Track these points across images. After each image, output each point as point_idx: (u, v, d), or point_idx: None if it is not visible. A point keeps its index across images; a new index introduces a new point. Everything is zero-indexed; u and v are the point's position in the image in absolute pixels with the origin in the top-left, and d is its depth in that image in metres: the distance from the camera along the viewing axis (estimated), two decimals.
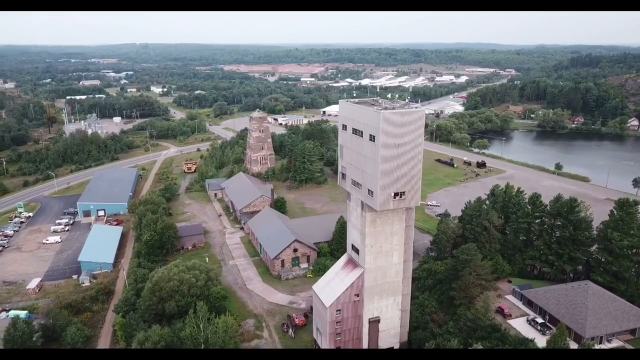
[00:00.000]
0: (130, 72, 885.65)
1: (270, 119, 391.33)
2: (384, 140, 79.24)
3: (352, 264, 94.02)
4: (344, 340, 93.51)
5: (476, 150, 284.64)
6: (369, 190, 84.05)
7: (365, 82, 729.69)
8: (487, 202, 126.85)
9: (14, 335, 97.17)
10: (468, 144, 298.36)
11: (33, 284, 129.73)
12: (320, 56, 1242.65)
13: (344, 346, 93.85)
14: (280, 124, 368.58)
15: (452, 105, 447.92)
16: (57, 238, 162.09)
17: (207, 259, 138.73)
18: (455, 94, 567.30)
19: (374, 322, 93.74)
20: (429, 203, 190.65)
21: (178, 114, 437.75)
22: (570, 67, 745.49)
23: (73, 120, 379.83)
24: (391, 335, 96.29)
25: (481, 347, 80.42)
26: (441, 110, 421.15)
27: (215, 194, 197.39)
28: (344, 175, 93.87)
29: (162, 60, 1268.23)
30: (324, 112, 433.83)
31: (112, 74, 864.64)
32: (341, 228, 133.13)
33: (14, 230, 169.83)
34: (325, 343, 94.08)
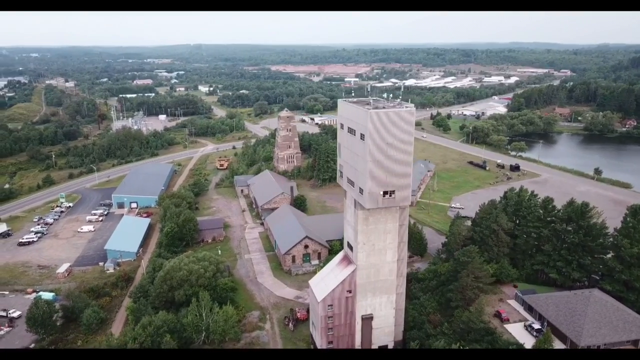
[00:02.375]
0: (182, 72, 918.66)
1: (307, 118, 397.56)
2: (372, 138, 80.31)
3: (347, 260, 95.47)
4: (337, 336, 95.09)
5: (513, 153, 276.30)
6: (360, 188, 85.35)
7: (410, 82, 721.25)
8: (499, 205, 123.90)
9: (35, 313, 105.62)
10: (506, 146, 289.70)
11: (62, 268, 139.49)
12: (367, 56, 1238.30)
13: (337, 341, 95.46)
14: (317, 124, 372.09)
15: (495, 107, 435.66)
16: (90, 227, 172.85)
17: (219, 251, 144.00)
18: (499, 95, 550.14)
19: (367, 319, 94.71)
20: (453, 205, 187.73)
21: (220, 113, 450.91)
22: (630, 68, 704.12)
23: (121, 118, 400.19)
24: (385, 334, 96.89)
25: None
26: (482, 112, 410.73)
27: (242, 190, 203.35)
28: (341, 174, 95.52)
29: (213, 61, 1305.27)
30: None
31: (165, 74, 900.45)
32: None
33: (54, 219, 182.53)
34: (317, 337, 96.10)
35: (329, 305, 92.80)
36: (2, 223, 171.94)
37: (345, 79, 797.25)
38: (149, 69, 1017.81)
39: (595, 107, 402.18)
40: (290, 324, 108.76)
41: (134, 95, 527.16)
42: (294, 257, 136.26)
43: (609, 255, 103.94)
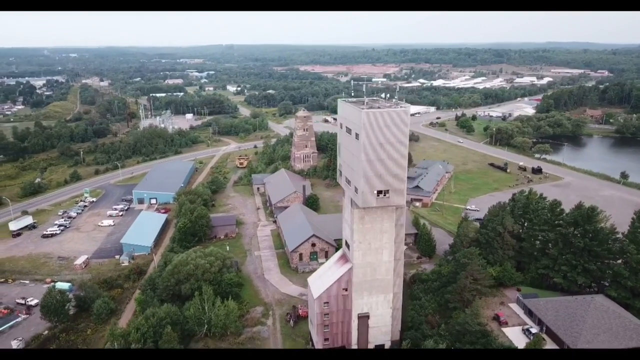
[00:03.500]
0: (212, 72, 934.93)
1: (330, 118, 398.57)
2: (366, 138, 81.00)
3: (344, 259, 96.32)
4: (333, 333, 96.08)
5: (537, 155, 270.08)
6: (355, 187, 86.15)
7: (438, 83, 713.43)
8: (507, 207, 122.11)
9: (49, 302, 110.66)
10: (530, 148, 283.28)
11: (80, 260, 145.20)
12: (396, 56, 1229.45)
13: (333, 339, 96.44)
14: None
15: (523, 108, 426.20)
16: (110, 222, 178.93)
17: (227, 247, 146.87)
18: (529, 96, 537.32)
19: (364, 318, 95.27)
20: (468, 207, 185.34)
21: (246, 112, 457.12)
22: None
23: (149, 116, 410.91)
24: (382, 333, 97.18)
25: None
26: (509, 113, 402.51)
27: (258, 188, 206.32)
28: (340, 173, 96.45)
29: (244, 61, 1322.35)
30: None
31: (195, 74, 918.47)
32: None
33: (77, 213, 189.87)
34: (314, 334, 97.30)
35: (325, 303, 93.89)
36: (29, 216, 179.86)
37: (373, 79, 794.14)
38: (180, 68, 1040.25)
39: (629, 109, 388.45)
40: (291, 321, 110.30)
41: (163, 95, 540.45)
42: (301, 255, 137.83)
43: (618, 261, 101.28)
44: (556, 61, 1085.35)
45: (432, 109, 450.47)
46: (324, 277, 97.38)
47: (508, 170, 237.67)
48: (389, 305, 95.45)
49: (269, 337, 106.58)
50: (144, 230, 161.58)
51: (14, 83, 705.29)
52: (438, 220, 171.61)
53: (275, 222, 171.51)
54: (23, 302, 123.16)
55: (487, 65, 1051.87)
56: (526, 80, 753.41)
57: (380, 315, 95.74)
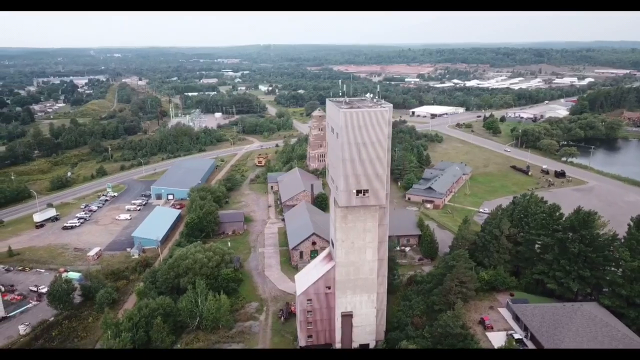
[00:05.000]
0: (246, 72, 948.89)
1: None
2: (345, 138, 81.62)
3: (330, 257, 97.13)
4: (316, 330, 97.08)
5: (563, 158, 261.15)
6: (336, 186, 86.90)
7: (472, 83, 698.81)
8: (507, 210, 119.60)
9: (55, 290, 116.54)
10: (556, 151, 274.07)
11: (93, 252, 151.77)
12: (432, 56, 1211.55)
13: (316, 336, 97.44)
14: None
15: (556, 110, 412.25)
16: (127, 216, 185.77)
17: (229, 243, 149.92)
18: (565, 98, 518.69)
19: (347, 317, 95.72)
20: (481, 210, 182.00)
21: (274, 112, 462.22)
22: None
23: (180, 114, 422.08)
24: (366, 332, 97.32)
25: None
26: (541, 115, 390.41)
27: (272, 187, 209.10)
28: (328, 172, 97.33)
29: (279, 61, 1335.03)
30: (413, 112, 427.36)
31: (231, 73, 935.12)
32: None
33: (98, 207, 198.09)
34: (298, 331, 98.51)
35: (308, 300, 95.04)
36: (52, 208, 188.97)
37: (406, 79, 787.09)
38: (216, 68, 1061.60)
39: None
40: (282, 317, 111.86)
41: (195, 94, 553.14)
42: (301, 252, 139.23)
43: (614, 269, 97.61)
44: (601, 61, 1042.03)
45: (461, 109, 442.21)
46: (309, 274, 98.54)
47: (530, 174, 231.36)
48: (373, 305, 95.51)
49: (259, 332, 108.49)
50: (156, 224, 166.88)
51: (59, 82, 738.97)
52: (447, 223, 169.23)
53: (284, 220, 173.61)
54: (35, 289, 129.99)
55: (526, 65, 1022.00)
56: (566, 81, 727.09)
57: (364, 314, 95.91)
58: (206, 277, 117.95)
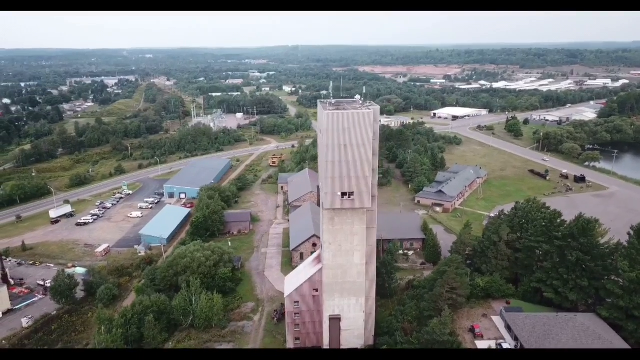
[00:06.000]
0: (272, 72, 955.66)
1: None
2: (329, 139, 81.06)
3: (319, 259, 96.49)
4: (303, 333, 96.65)
5: (586, 163, 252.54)
6: (322, 188, 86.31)
7: (500, 85, 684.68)
8: (508, 215, 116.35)
9: (58, 285, 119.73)
10: (578, 155, 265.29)
11: (101, 248, 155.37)
12: (460, 57, 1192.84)
13: (304, 339, 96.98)
14: (384, 125, 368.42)
15: (583, 113, 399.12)
16: (139, 213, 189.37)
17: (229, 243, 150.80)
18: (595, 100, 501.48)
19: (335, 320, 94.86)
20: (492, 214, 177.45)
21: (294, 113, 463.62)
22: None
23: (201, 115, 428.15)
24: (355, 337, 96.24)
25: None
26: (567, 118, 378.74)
27: (282, 187, 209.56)
28: (319, 174, 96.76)
29: (306, 62, 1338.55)
30: (434, 114, 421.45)
31: (257, 74, 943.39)
32: None
33: (112, 204, 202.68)
34: (286, 333, 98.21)
35: (295, 302, 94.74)
36: (68, 205, 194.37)
37: (431, 80, 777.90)
38: (243, 69, 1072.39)
39: None
40: (275, 318, 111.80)
41: (219, 94, 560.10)
42: (302, 254, 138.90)
43: (613, 278, 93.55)
44: (638, 62, 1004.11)
45: (484, 112, 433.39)
46: (298, 276, 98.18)
47: (548, 178, 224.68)
48: (361, 309, 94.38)
49: (251, 332, 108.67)
50: (164, 223, 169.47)
51: (90, 82, 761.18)
52: (455, 227, 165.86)
53: (289, 220, 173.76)
54: (42, 283, 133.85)
55: (558, 66, 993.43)
56: (598, 82, 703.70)
57: (353, 318, 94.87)
58: (203, 276, 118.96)
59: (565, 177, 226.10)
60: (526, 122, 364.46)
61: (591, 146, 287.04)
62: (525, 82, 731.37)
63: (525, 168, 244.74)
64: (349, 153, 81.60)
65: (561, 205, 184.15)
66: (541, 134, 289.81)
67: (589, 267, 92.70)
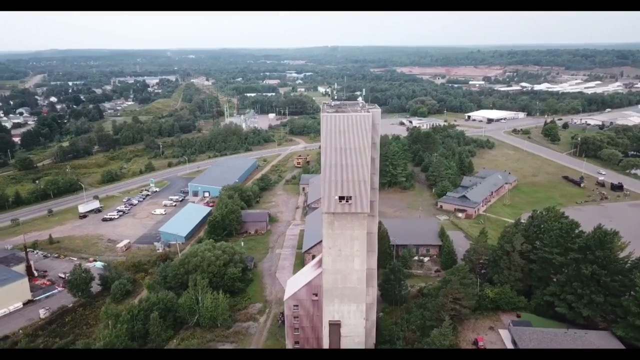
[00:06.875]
0: (309, 73, 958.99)
1: (406, 121, 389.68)
2: (326, 142, 79.93)
3: (320, 263, 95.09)
4: (303, 337, 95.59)
5: (627, 170, 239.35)
6: (322, 191, 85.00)
7: (542, 87, 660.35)
8: (524, 225, 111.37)
9: (74, 278, 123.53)
10: (619, 162, 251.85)
11: (122, 244, 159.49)
12: (502, 58, 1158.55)
13: (303, 342, 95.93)
14: (415, 127, 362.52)
15: (629, 117, 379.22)
16: (162, 211, 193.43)
17: (242, 243, 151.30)
18: None
19: (335, 326, 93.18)
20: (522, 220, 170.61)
21: None
22: None
23: (234, 114, 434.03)
24: (355, 343, 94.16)
25: None
26: (611, 122, 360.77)
27: (303, 188, 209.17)
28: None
29: (344, 62, 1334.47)
30: (469, 116, 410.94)
31: (294, 74, 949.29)
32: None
33: (138, 201, 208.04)
34: (286, 336, 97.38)
35: (294, 305, 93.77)
36: (96, 201, 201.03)
37: (470, 82, 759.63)
38: (281, 69, 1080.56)
39: None
40: (280, 321, 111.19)
41: (253, 94, 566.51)
42: (313, 256, 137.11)
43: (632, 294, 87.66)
44: None
45: (521, 114, 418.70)
46: (299, 279, 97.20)
47: (582, 185, 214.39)
48: (361, 315, 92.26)
49: (255, 333, 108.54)
50: (184, 221, 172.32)
51: (132, 81, 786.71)
52: (475, 234, 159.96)
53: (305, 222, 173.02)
54: (63, 276, 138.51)
55: (607, 68, 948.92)
56: None
57: (353, 325, 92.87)
58: (212, 275, 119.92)
59: (602, 184, 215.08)
60: (565, 126, 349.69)
61: (634, 153, 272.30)
62: (569, 84, 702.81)
63: (559, 174, 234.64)
64: (346, 157, 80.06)
65: (593, 214, 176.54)
66: (579, 138, 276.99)
67: (606, 282, 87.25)
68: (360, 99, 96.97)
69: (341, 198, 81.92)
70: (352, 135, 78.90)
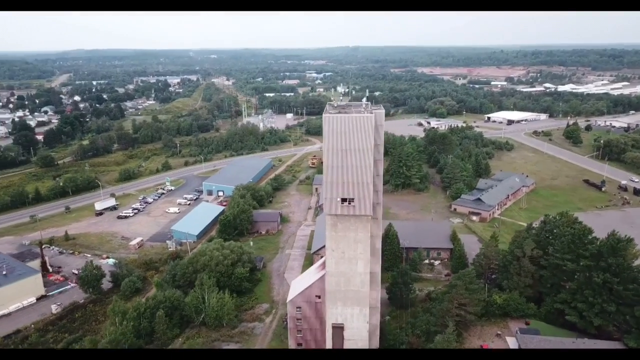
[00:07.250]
0: (329, 73, 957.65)
1: (424, 122, 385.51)
2: (328, 143, 79.15)
3: (324, 265, 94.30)
4: (305, 339, 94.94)
5: None
6: (324, 193, 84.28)
7: (566, 88, 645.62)
8: (535, 230, 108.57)
9: (85, 275, 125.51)
10: None
11: (135, 241, 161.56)
12: (526, 58, 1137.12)
13: (306, 345, 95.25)
14: (433, 128, 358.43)
15: None
16: (176, 209, 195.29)
17: (251, 243, 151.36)
18: None
19: (338, 329, 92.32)
20: (535, 224, 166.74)
21: None
22: None
23: (252, 114, 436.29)
24: (358, 347, 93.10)
25: None
26: (637, 124, 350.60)
27: (316, 189, 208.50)
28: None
29: (365, 62, 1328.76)
30: (489, 117, 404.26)
31: (313, 74, 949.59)
32: (385, 234, 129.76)
33: (153, 199, 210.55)
34: (288, 338, 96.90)
35: (297, 307, 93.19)
36: (112, 198, 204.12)
37: (492, 83, 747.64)
38: (301, 69, 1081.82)
39: None
40: (285, 322, 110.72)
41: (272, 94, 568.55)
42: (322, 257, 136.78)
43: None
44: None
45: (543, 116, 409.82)
46: (303, 281, 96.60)
47: (604, 189, 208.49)
48: (365, 319, 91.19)
49: (260, 334, 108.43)
50: (196, 220, 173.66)
51: (154, 81, 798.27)
52: (488, 238, 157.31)
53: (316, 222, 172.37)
54: (76, 272, 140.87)
55: (636, 68, 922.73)
56: None
57: (356, 328, 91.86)
58: (220, 275, 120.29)
59: (624, 189, 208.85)
60: (589, 128, 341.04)
61: None
62: (595, 85, 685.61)
63: (580, 177, 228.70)
64: (348, 158, 79.09)
65: (613, 219, 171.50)
66: (602, 141, 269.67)
67: (618, 291, 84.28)
68: (364, 100, 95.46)
69: (344, 200, 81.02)
70: (355, 136, 77.93)
